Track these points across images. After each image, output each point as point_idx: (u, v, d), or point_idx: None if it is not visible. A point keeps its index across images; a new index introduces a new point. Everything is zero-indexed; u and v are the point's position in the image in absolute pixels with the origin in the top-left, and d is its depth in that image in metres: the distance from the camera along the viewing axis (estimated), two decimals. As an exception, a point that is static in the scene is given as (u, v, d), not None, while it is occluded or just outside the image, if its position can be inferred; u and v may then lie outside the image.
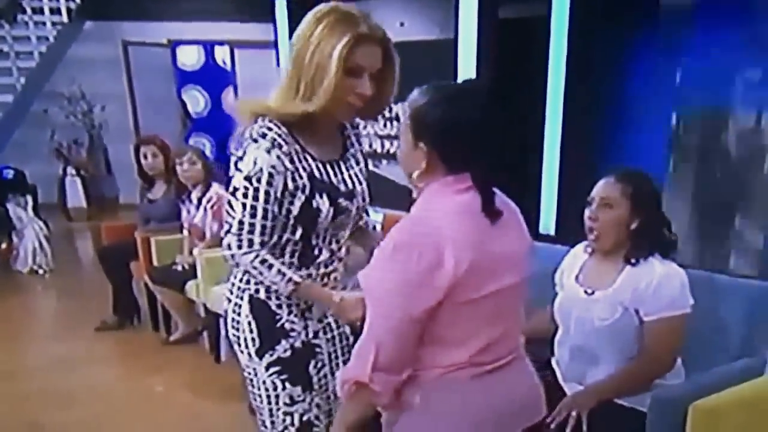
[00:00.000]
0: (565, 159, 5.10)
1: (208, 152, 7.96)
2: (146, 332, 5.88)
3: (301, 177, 2.25)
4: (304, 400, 2.44)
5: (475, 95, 1.95)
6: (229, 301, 2.44)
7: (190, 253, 5.32)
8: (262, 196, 2.20)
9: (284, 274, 2.28)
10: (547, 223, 5.20)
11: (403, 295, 1.85)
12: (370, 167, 7.11)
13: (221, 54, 11.00)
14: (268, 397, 2.44)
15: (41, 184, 9.37)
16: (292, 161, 2.23)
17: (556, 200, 5.15)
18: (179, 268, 5.32)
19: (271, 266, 2.26)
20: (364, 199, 2.47)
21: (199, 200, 5.35)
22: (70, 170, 11.26)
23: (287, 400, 2.43)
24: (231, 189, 2.24)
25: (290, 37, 7.00)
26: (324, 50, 2.16)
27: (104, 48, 11.48)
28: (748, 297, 3.03)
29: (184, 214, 5.51)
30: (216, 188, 5.31)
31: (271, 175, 2.18)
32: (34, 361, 5.47)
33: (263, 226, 2.23)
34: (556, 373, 2.97)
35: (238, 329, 2.42)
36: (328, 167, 2.33)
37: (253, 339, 2.38)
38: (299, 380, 2.44)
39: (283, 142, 2.20)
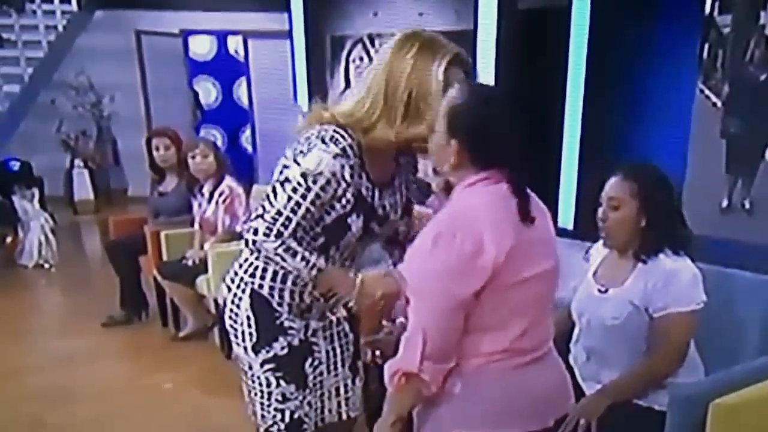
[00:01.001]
0: (585, 153, 5.10)
1: (219, 144, 7.99)
2: (155, 328, 5.92)
3: (352, 193, 2.29)
4: (296, 398, 2.49)
5: (505, 100, 2.11)
6: (229, 290, 2.47)
7: (201, 247, 5.35)
8: (311, 197, 2.22)
9: (308, 261, 2.27)
10: (566, 217, 5.21)
11: (448, 282, 1.96)
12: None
13: (234, 44, 11.01)
14: (261, 392, 2.50)
15: (48, 176, 9.45)
16: (351, 175, 2.26)
17: (575, 195, 5.15)
18: (190, 262, 5.35)
19: (295, 253, 2.26)
20: (391, 229, 2.53)
21: (211, 194, 5.39)
22: (78, 162, 11.27)
23: (279, 397, 2.48)
24: (281, 178, 2.25)
25: (306, 26, 6.99)
26: (423, 70, 2.21)
27: (114, 37, 11.47)
28: (767, 293, 3.05)
29: (195, 207, 5.54)
30: (228, 181, 5.35)
31: (328, 181, 2.22)
32: (40, 357, 5.51)
33: (298, 224, 2.24)
34: (575, 371, 2.99)
35: (236, 321, 2.46)
36: (376, 191, 2.38)
37: (250, 334, 2.43)
38: (294, 378, 2.48)
39: (351, 155, 2.24)
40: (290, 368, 2.47)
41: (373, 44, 7.10)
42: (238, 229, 5.29)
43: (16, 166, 8.97)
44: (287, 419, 2.50)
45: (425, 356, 1.96)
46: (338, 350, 2.64)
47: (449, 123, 2.04)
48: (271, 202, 2.24)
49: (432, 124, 2.15)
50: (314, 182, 2.21)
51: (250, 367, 2.49)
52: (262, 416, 2.54)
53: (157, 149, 5.75)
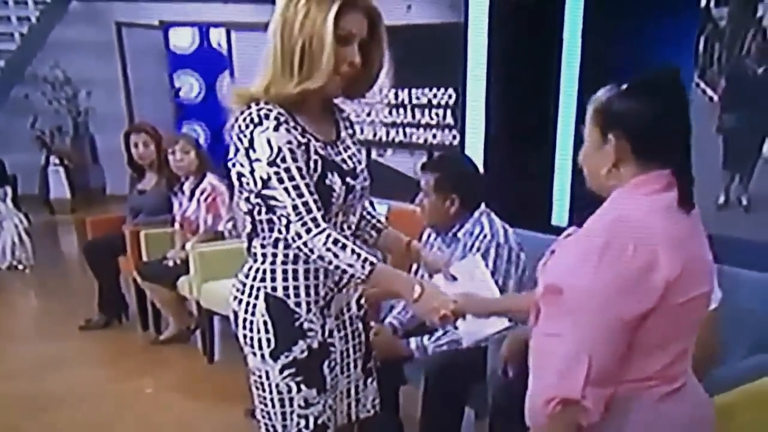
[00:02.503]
0: (579, 149, 5.14)
1: (201, 141, 7.96)
2: (134, 331, 5.92)
3: (312, 153, 2.26)
4: (318, 403, 2.45)
5: (674, 82, 1.95)
6: (239, 300, 2.42)
7: (183, 247, 5.36)
8: (296, 173, 2.18)
9: (360, 255, 2.21)
10: (561, 214, 5.25)
11: (617, 299, 1.81)
12: (375, 156, 7.15)
13: (217, 36, 11.01)
14: (281, 400, 2.44)
15: (22, 174, 9.44)
16: (302, 136, 2.24)
17: (570, 191, 5.19)
18: (171, 263, 5.36)
19: (345, 246, 2.20)
20: (365, 179, 2.48)
21: (192, 192, 5.40)
22: (53, 159, 11.28)
23: (302, 403, 2.44)
24: (259, 184, 2.20)
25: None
26: (316, 19, 2.16)
27: (91, 30, 11.50)
28: (764, 291, 3.10)
29: (176, 206, 5.56)
30: (210, 179, 5.36)
31: (291, 150, 2.19)
32: (14, 362, 5.48)
33: (315, 201, 2.19)
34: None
35: (251, 329, 2.40)
36: (329, 147, 2.35)
37: (268, 339, 2.37)
38: (315, 382, 2.44)
39: (285, 119, 2.21)
40: (311, 372, 2.43)
41: (361, 37, 7.11)
42: (220, 228, 5.31)
43: (-13, 163, 8.95)
44: (311, 425, 2.46)
45: (589, 381, 1.82)
46: (351, 351, 2.61)
47: (602, 117, 1.93)
48: (280, 206, 2.20)
49: (326, 78, 2.16)
50: (283, 160, 2.18)
51: (267, 376, 2.43)
52: (284, 427, 2.48)
53: (136, 146, 5.75)
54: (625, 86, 1.93)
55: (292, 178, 2.18)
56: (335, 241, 2.19)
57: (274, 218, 2.26)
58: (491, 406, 3.15)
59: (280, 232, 2.28)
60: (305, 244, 2.20)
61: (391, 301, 3.84)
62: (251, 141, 2.19)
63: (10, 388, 4.93)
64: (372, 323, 3.59)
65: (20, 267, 7.93)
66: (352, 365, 2.63)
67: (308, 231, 2.18)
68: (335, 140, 2.42)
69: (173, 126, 10.56)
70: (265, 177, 2.19)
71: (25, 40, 10.51)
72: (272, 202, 2.21)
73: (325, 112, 2.44)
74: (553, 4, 5.27)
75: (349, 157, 2.43)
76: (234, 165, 2.26)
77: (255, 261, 2.39)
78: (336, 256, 2.20)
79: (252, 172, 2.20)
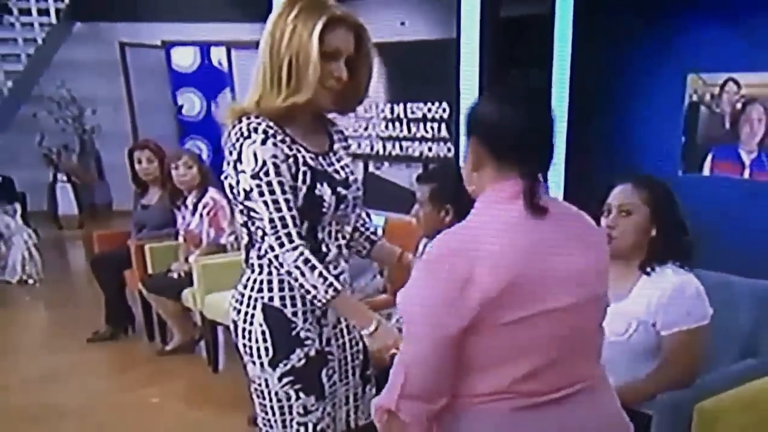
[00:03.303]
0: (571, 158, 5.14)
1: (204, 156, 7.96)
2: (141, 342, 5.93)
3: (300, 165, 2.28)
4: (317, 410, 2.45)
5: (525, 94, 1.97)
6: (238, 311, 2.42)
7: (186, 260, 5.37)
8: (277, 187, 2.20)
9: (326, 279, 2.24)
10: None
11: (432, 314, 1.76)
12: (372, 169, 7.14)
13: (217, 55, 11.03)
14: (281, 408, 2.44)
15: (30, 191, 9.44)
16: (290, 148, 2.26)
17: (562, 200, 5.19)
18: (175, 275, 5.37)
19: (314, 267, 2.23)
20: (358, 189, 2.50)
21: (195, 206, 5.41)
22: (61, 176, 11.29)
23: (301, 410, 2.44)
24: (242, 195, 2.23)
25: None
26: (302, 35, 2.19)
27: (95, 50, 11.53)
28: (753, 297, 3.10)
29: (179, 220, 5.56)
30: (212, 193, 5.37)
31: (275, 165, 2.20)
32: (25, 374, 5.48)
33: (293, 217, 2.22)
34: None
35: (250, 338, 2.40)
36: (320, 158, 2.37)
37: (266, 348, 2.38)
38: (313, 389, 2.44)
39: (273, 132, 2.23)
40: (309, 379, 2.44)
41: (356, 53, 7.12)
42: (222, 241, 5.31)
43: (-4, 181, 8.95)
44: None
45: (404, 394, 1.79)
46: (350, 359, 2.61)
47: (467, 122, 1.90)
48: (254, 221, 2.25)
49: (312, 93, 2.19)
50: (266, 173, 2.19)
51: (267, 384, 2.43)
52: None
53: (140, 162, 5.76)
54: (486, 93, 1.92)
55: (272, 192, 2.21)
56: (305, 261, 2.23)
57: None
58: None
59: (263, 239, 2.29)
60: (276, 257, 2.24)
61: (387, 311, 3.83)
62: (239, 153, 2.22)
63: (21, 399, 4.94)
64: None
65: (30, 281, 7.93)
66: (350, 373, 2.63)
67: (281, 245, 2.22)
68: (328, 152, 2.43)
69: (176, 142, 10.57)
70: (247, 189, 2.22)
71: (32, 60, 10.50)
72: (252, 214, 2.24)
73: (317, 125, 2.45)
74: (542, 19, 5.27)
75: (342, 168, 2.45)
76: (226, 177, 2.29)
77: (252, 272, 2.40)
78: (303, 274, 2.24)
79: (237, 183, 2.24)
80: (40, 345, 6.35)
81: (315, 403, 2.44)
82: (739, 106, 4.68)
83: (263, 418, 2.50)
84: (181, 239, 5.54)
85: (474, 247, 1.74)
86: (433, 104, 6.48)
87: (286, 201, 2.22)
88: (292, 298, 2.38)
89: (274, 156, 2.21)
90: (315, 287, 2.24)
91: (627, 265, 2.84)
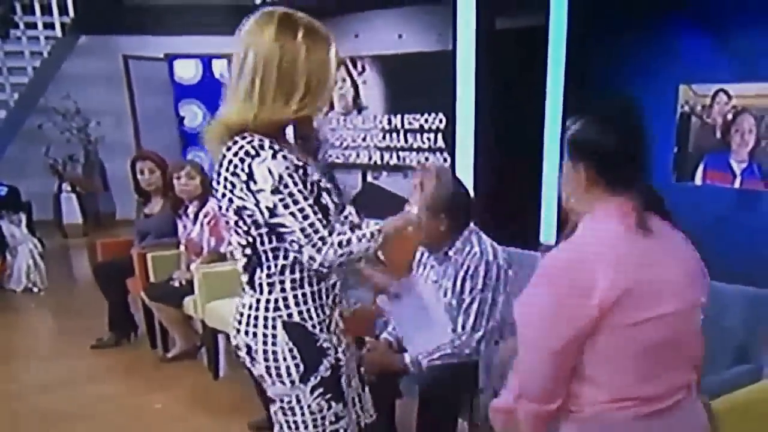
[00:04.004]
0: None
1: (206, 167, 7.91)
2: (143, 349, 5.89)
3: (309, 176, 2.27)
4: (345, 415, 2.45)
5: (628, 110, 2.01)
6: (254, 334, 2.35)
7: (188, 268, 5.34)
8: (299, 196, 2.18)
9: (365, 235, 2.27)
10: (548, 232, 5.23)
11: (552, 322, 1.83)
12: (370, 179, 7.13)
13: (219, 67, 11.01)
14: (314, 420, 2.41)
15: (36, 200, 9.39)
16: (298, 159, 2.25)
17: (557, 209, 5.18)
18: (176, 283, 5.34)
19: (350, 241, 2.23)
20: (345, 200, 2.50)
21: (196, 215, 5.39)
22: (66, 187, 11.30)
23: (333, 419, 2.42)
24: (266, 214, 2.19)
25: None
26: (320, 56, 2.24)
27: (100, 62, 11.54)
28: (745, 304, 3.09)
29: (180, 229, 5.54)
30: (213, 203, 5.33)
31: (290, 176, 2.18)
32: (29, 380, 5.47)
33: (320, 220, 2.20)
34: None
35: (276, 359, 2.35)
36: (312, 167, 2.35)
37: (296, 365, 2.34)
38: (340, 397, 2.44)
39: (278, 145, 2.21)
40: (335, 387, 2.42)
41: (355, 66, 7.13)
42: (223, 250, 5.28)
43: (3, 191, 8.90)
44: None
45: (521, 396, 1.88)
46: (350, 361, 2.59)
47: (573, 148, 1.96)
48: (289, 232, 2.20)
49: (328, 100, 2.26)
50: (286, 186, 2.17)
51: (299, 400, 2.39)
52: None
53: (142, 173, 5.74)
54: (584, 119, 1.96)
55: (296, 202, 2.18)
56: (341, 244, 2.21)
57: (280, 246, 2.26)
58: (484, 417, 3.13)
59: (285, 258, 2.28)
60: (321, 264, 2.21)
61: (385, 318, 3.82)
62: (250, 174, 2.17)
63: (25, 406, 4.91)
64: (367, 339, 3.57)
65: (35, 289, 7.92)
66: (353, 375, 2.62)
67: (319, 251, 2.19)
68: (315, 161, 2.43)
69: (179, 153, 10.55)
70: (271, 206, 2.17)
71: (38, 73, 10.51)
72: (281, 230, 2.20)
73: (298, 139, 2.45)
74: (537, 32, 5.27)
75: (325, 174, 2.42)
76: (231, 201, 2.24)
77: (261, 293, 2.34)
78: (351, 253, 2.24)
79: (257, 204, 2.18)
80: (44, 352, 6.33)
81: (343, 409, 2.44)
82: (729, 116, 4.67)
83: (277, 429, 2.46)
84: (182, 248, 5.52)
85: (592, 258, 1.81)
86: (429, 115, 6.49)
87: (311, 206, 2.20)
88: (308, 311, 2.35)
89: (287, 168, 2.18)
90: (368, 249, 2.28)
91: None
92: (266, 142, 2.19)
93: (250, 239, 2.28)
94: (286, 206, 2.17)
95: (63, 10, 10.76)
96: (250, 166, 2.16)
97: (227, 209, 2.26)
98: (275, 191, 2.16)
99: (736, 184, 4.63)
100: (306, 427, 2.42)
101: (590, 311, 1.78)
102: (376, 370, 3.37)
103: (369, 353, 3.47)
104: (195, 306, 5.12)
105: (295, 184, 2.19)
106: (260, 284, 2.33)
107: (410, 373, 3.40)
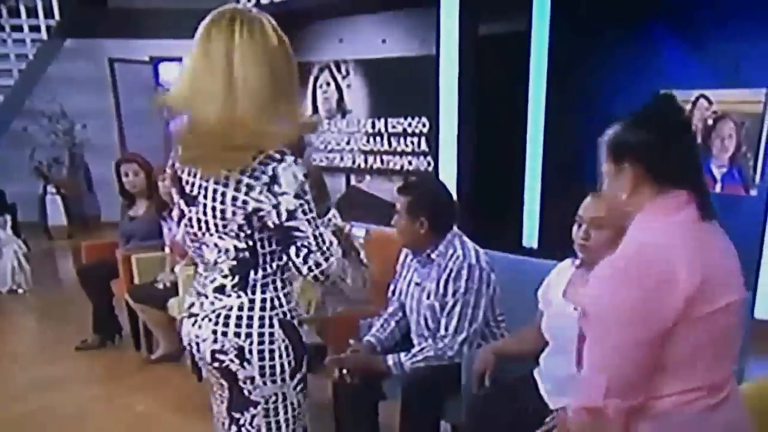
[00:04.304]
0: (547, 172, 5.14)
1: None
2: (128, 351, 5.86)
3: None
4: (307, 409, 2.49)
5: (673, 107, 2.04)
6: (247, 334, 2.29)
7: (172, 270, 5.31)
8: (312, 204, 2.22)
9: (343, 260, 2.34)
10: (530, 236, 5.24)
11: (635, 316, 1.84)
12: (354, 182, 7.10)
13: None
14: (294, 417, 2.43)
15: (21, 202, 9.36)
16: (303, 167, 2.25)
17: (539, 214, 5.19)
18: (161, 285, 5.30)
19: (332, 242, 2.27)
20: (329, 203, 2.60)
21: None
22: (51, 189, 11.24)
23: (304, 412, 2.46)
24: (284, 215, 2.17)
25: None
26: (291, 54, 2.26)
27: (85, 65, 11.52)
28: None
29: (165, 231, 5.51)
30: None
31: (306, 182, 2.21)
32: (13, 382, 5.42)
33: (325, 230, 2.26)
34: (539, 384, 3.01)
35: (272, 358, 2.31)
36: None
37: (289, 362, 2.32)
38: (307, 388, 2.47)
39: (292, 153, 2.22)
40: (306, 379, 2.44)
41: (339, 70, 7.14)
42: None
43: (-12, 193, 8.90)
44: (306, 425, 2.51)
45: (610, 392, 1.86)
46: None
47: (614, 149, 2.01)
48: (298, 239, 2.20)
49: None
50: (306, 192, 2.19)
51: (284, 398, 2.38)
52: None
53: (126, 175, 5.71)
54: (630, 119, 2.01)
55: (311, 210, 2.21)
56: (339, 260, 2.27)
57: (276, 249, 2.27)
58: (466, 419, 3.13)
59: (280, 260, 2.29)
60: (322, 272, 2.23)
61: (369, 320, 3.82)
62: (274, 176, 2.16)
63: (9, 408, 4.87)
64: (351, 341, 3.57)
65: (20, 291, 7.88)
66: None
67: (327, 260, 2.22)
68: None
69: (164, 155, 10.50)
70: (291, 208, 2.17)
71: (23, 76, 10.48)
72: (295, 233, 2.20)
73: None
74: (519, 37, 5.28)
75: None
76: (245, 203, 2.19)
77: (253, 293, 2.30)
78: (344, 272, 2.47)
79: (277, 205, 2.17)
80: (28, 354, 6.27)
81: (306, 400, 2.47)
82: (710, 122, 4.69)
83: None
84: (167, 250, 5.48)
85: (667, 251, 1.85)
86: (413, 119, 6.50)
87: (318, 216, 2.26)
88: (293, 308, 2.37)
89: (304, 174, 2.20)
90: (346, 270, 2.46)
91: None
92: (286, 149, 2.19)
93: (251, 242, 2.26)
94: (304, 212, 2.19)
95: (49, 14, 10.78)
96: (274, 169, 2.15)
97: (233, 213, 2.21)
98: (298, 196, 2.18)
99: (717, 189, 4.65)
100: (287, 426, 2.43)
101: (676, 303, 1.81)
102: (359, 372, 3.36)
103: (352, 355, 3.47)
104: (179, 307, 5.09)
105: (309, 191, 2.21)
106: (253, 285, 2.30)
107: (393, 374, 3.40)
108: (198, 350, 2.36)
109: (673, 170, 1.94)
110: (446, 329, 3.37)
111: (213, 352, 2.32)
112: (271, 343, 2.31)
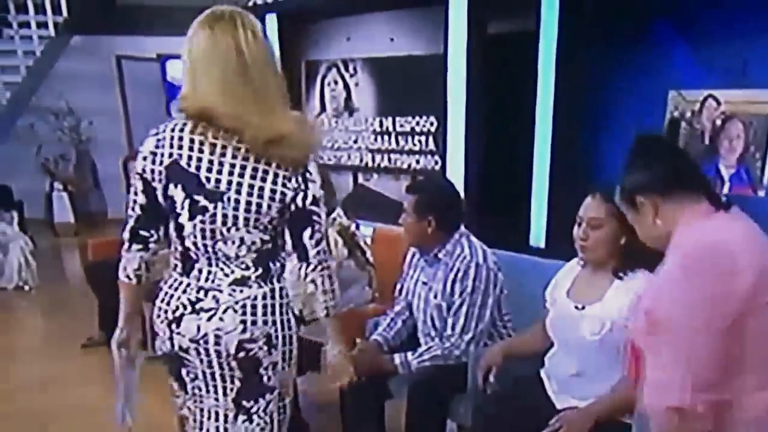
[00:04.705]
0: (555, 172, 5.13)
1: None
2: (134, 349, 5.86)
3: None
4: None
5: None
6: (273, 323, 2.38)
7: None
8: None
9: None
10: (538, 236, 5.23)
11: (706, 309, 1.88)
12: (361, 180, 7.13)
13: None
14: (293, 399, 2.60)
15: (28, 199, 9.38)
16: None
17: (546, 213, 5.19)
18: (167, 283, 5.31)
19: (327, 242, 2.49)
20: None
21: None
22: (57, 185, 11.27)
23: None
24: (309, 199, 2.33)
25: (281, 51, 6.93)
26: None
27: (93, 62, 11.53)
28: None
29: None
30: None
31: None
32: (19, 379, 5.46)
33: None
34: (545, 385, 3.02)
35: (291, 343, 2.45)
36: None
37: (296, 347, 2.48)
38: None
39: None
40: None
41: (347, 68, 7.14)
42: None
43: (-6, 189, 8.92)
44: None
45: (696, 388, 1.87)
46: None
47: (628, 191, 2.19)
48: (316, 224, 2.36)
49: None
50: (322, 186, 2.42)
51: (294, 382, 2.59)
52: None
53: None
54: (627, 167, 2.18)
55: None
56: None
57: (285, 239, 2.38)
58: (472, 418, 3.14)
59: (284, 250, 2.38)
60: (326, 260, 2.38)
61: (375, 319, 3.84)
62: (308, 174, 2.35)
63: (15, 405, 4.91)
64: (358, 340, 3.58)
65: (26, 287, 7.92)
66: None
67: (336, 244, 2.62)
68: None
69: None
70: (318, 196, 2.35)
71: (31, 72, 10.51)
72: (314, 218, 2.35)
73: None
74: (528, 36, 5.27)
75: None
76: (284, 195, 2.32)
77: (272, 283, 2.39)
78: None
79: (305, 189, 2.32)
80: (35, 351, 6.32)
81: None
82: (718, 122, 4.68)
83: (275, 418, 2.50)
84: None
85: (723, 242, 1.94)
86: (421, 118, 6.50)
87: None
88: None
89: None
90: (334, 291, 2.42)
91: (601, 270, 2.90)
92: None
93: (274, 234, 2.36)
94: (323, 203, 2.39)
95: (56, 10, 10.81)
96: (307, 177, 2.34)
97: (268, 207, 2.31)
98: (321, 187, 2.39)
99: (725, 190, 4.64)
100: (289, 409, 2.54)
101: (742, 292, 1.86)
102: (366, 372, 3.38)
103: (359, 354, 3.48)
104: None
105: None
106: (272, 275, 2.38)
107: (400, 373, 3.42)
108: (216, 343, 2.36)
109: (681, 183, 2.09)
110: (453, 329, 3.39)
111: (240, 342, 2.35)
112: (290, 329, 2.42)
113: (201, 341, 2.39)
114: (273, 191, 2.28)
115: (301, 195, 2.31)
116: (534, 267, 3.71)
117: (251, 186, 2.27)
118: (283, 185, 2.29)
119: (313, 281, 2.35)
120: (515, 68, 5.44)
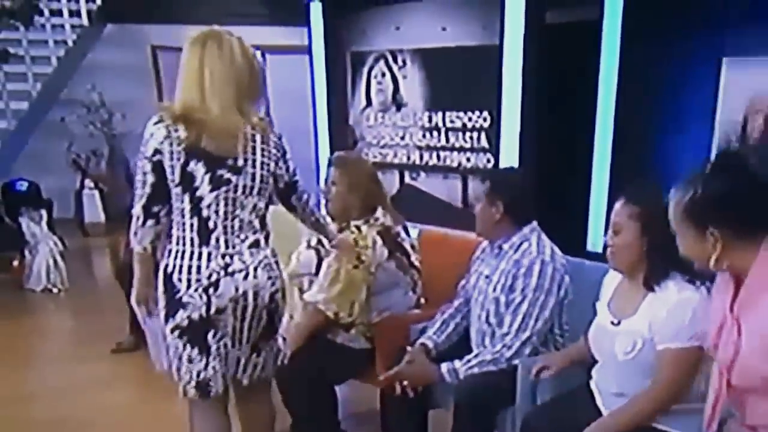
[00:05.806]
0: (616, 172, 5.12)
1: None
2: (165, 353, 5.93)
3: None
4: None
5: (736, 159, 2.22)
6: (279, 276, 3.21)
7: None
8: None
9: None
10: (596, 240, 5.22)
11: None
12: (408, 180, 7.19)
13: (251, 58, 11.02)
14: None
15: (57, 197, 9.52)
16: None
17: (605, 216, 5.18)
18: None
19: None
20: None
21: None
22: (88, 183, 11.34)
23: None
24: (291, 171, 3.30)
25: (326, 42, 7.06)
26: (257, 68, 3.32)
27: (127, 53, 11.60)
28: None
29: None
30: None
31: None
32: (47, 384, 5.55)
33: None
34: (595, 396, 3.03)
35: (285, 295, 3.29)
36: None
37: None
38: None
39: None
40: None
41: (395, 60, 7.14)
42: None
43: (23, 186, 9.01)
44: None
45: None
46: None
47: (696, 217, 2.18)
48: (298, 186, 3.36)
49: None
50: None
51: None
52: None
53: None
54: (700, 189, 2.14)
55: None
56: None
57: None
58: (520, 430, 3.16)
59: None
60: (310, 206, 3.47)
61: (424, 324, 3.85)
62: (284, 148, 3.24)
63: (43, 410, 5.02)
64: (408, 348, 3.60)
65: (54, 290, 8.04)
66: None
67: (309, 195, 3.35)
68: None
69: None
70: (294, 167, 3.29)
71: (62, 63, 10.62)
72: (298, 185, 3.33)
73: None
74: (589, 27, 5.27)
75: None
76: (278, 167, 3.20)
77: (266, 246, 3.17)
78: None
79: (288, 168, 3.25)
80: (63, 355, 6.41)
81: None
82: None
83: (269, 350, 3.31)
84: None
85: None
86: (473, 113, 6.49)
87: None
88: None
89: None
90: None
91: (632, 282, 2.91)
92: None
93: (267, 201, 3.16)
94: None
95: (89, -3, 10.88)
96: (280, 139, 3.22)
97: (270, 177, 3.15)
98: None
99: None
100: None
101: None
102: (414, 383, 3.42)
103: (409, 366, 3.51)
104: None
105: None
106: (266, 236, 3.18)
107: (446, 381, 3.45)
108: (255, 298, 3.09)
109: (764, 227, 2.12)
110: (510, 326, 3.41)
111: (272, 294, 3.15)
112: (283, 282, 3.24)
113: (240, 299, 3.05)
114: (270, 166, 3.13)
115: (286, 173, 3.23)
116: (591, 272, 3.71)
117: (263, 162, 3.09)
118: (276, 162, 3.17)
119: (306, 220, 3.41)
120: (575, 60, 5.44)
